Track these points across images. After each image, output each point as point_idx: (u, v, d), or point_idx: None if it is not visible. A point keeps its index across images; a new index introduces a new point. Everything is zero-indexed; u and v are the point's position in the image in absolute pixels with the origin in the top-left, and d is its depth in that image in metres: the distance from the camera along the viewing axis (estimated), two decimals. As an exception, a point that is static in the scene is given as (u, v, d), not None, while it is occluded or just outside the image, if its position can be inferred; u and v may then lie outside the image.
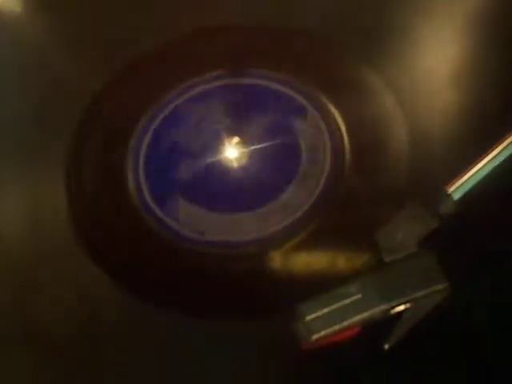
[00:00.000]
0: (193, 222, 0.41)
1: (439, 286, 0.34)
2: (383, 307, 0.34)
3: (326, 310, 0.34)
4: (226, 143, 0.43)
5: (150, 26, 0.47)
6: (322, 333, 0.34)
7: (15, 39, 0.47)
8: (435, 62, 0.44)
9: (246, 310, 0.38)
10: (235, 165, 0.42)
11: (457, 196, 0.36)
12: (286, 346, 0.35)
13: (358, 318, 0.34)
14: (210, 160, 0.42)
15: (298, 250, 0.40)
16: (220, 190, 0.42)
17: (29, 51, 0.47)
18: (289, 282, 0.39)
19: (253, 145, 0.43)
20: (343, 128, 0.43)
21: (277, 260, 0.40)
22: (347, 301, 0.34)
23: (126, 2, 0.48)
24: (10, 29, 0.48)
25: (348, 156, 0.42)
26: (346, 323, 0.34)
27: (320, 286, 0.35)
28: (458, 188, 0.36)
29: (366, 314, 0.34)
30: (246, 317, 0.38)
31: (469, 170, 0.37)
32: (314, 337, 0.34)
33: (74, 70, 0.46)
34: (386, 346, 0.34)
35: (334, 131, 0.43)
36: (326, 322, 0.34)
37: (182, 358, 0.37)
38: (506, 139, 0.37)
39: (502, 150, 0.37)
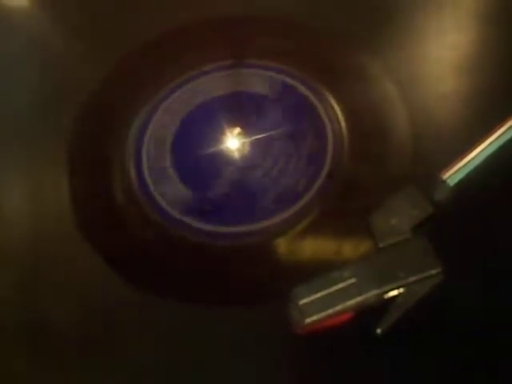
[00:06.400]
0: (194, 211, 0.41)
1: (432, 271, 0.34)
2: (376, 292, 0.34)
3: (319, 295, 0.34)
4: (228, 134, 0.43)
5: (150, 17, 0.47)
6: (316, 317, 0.34)
7: (17, 32, 0.49)
8: (436, 50, 0.45)
9: (247, 298, 0.38)
10: (237, 155, 0.43)
11: (452, 182, 0.37)
12: (281, 331, 0.35)
13: (351, 302, 0.34)
14: (211, 150, 0.43)
15: (302, 238, 0.40)
16: (222, 180, 0.42)
17: (29, 45, 0.48)
18: (293, 269, 0.39)
19: (254, 135, 0.43)
20: (344, 116, 0.43)
21: (281, 248, 0.40)
22: (341, 285, 0.35)
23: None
24: (12, 22, 0.49)
25: (349, 144, 0.42)
26: (339, 307, 0.34)
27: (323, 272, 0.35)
28: (454, 174, 0.37)
29: (359, 299, 0.34)
30: (245, 304, 0.38)
31: (464, 157, 0.37)
32: (308, 321, 0.34)
33: (74, 62, 0.47)
34: (379, 331, 0.34)
35: (335, 119, 0.43)
36: (320, 306, 0.34)
37: (185, 346, 0.37)
38: (500, 127, 0.37)
39: (497, 137, 0.37)
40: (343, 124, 0.43)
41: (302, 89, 0.45)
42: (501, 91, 0.41)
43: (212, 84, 0.46)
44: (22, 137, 0.45)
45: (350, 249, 0.39)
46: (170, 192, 0.42)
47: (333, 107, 0.44)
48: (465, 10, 0.46)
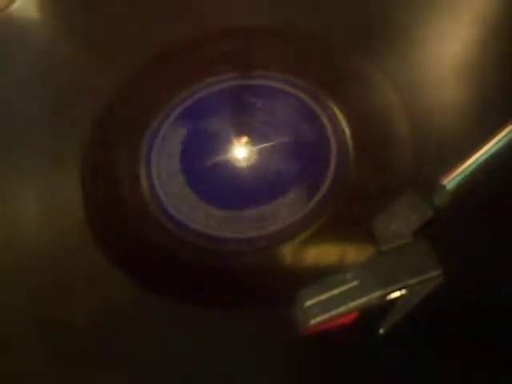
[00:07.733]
0: (204, 219, 0.42)
1: (433, 273, 0.35)
2: (379, 293, 0.35)
3: (324, 297, 0.35)
4: (235, 143, 0.44)
5: (160, 29, 0.49)
6: (320, 318, 0.35)
7: (31, 43, 0.50)
8: (436, 56, 0.45)
9: (249, 302, 0.39)
10: (244, 164, 0.44)
11: (451, 187, 0.37)
12: (283, 332, 0.36)
13: (354, 303, 0.35)
14: (219, 159, 0.44)
15: (307, 245, 0.40)
16: (230, 188, 0.43)
17: (42, 55, 0.50)
18: (297, 274, 0.40)
19: (261, 144, 0.44)
20: (347, 124, 0.44)
21: (287, 254, 0.41)
22: (344, 287, 0.35)
23: (136, 8, 0.50)
24: (24, 32, 0.50)
25: (353, 151, 0.43)
26: (343, 309, 0.35)
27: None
28: (453, 179, 0.37)
29: (362, 300, 0.35)
30: (247, 308, 0.39)
31: (463, 162, 0.37)
32: (312, 322, 0.35)
33: (88, 70, 0.48)
34: (382, 331, 0.35)
35: (338, 127, 0.44)
36: (324, 307, 0.35)
37: (185, 346, 0.37)
38: (498, 132, 0.38)
39: (496, 142, 0.37)
40: (346, 132, 0.44)
41: (305, 98, 0.46)
42: (500, 96, 0.42)
43: (218, 95, 0.47)
44: (35, 146, 0.46)
45: (353, 253, 0.39)
46: (178, 198, 0.43)
47: (335, 115, 0.45)
48: (464, 17, 0.47)
